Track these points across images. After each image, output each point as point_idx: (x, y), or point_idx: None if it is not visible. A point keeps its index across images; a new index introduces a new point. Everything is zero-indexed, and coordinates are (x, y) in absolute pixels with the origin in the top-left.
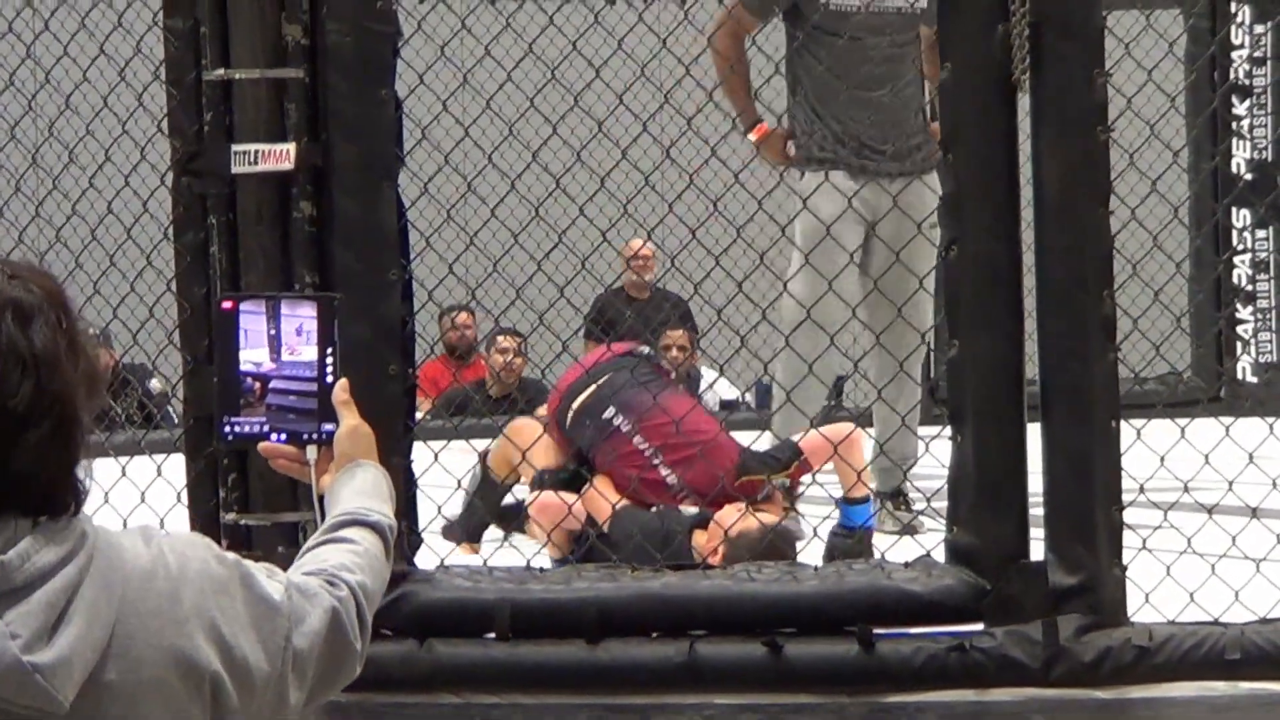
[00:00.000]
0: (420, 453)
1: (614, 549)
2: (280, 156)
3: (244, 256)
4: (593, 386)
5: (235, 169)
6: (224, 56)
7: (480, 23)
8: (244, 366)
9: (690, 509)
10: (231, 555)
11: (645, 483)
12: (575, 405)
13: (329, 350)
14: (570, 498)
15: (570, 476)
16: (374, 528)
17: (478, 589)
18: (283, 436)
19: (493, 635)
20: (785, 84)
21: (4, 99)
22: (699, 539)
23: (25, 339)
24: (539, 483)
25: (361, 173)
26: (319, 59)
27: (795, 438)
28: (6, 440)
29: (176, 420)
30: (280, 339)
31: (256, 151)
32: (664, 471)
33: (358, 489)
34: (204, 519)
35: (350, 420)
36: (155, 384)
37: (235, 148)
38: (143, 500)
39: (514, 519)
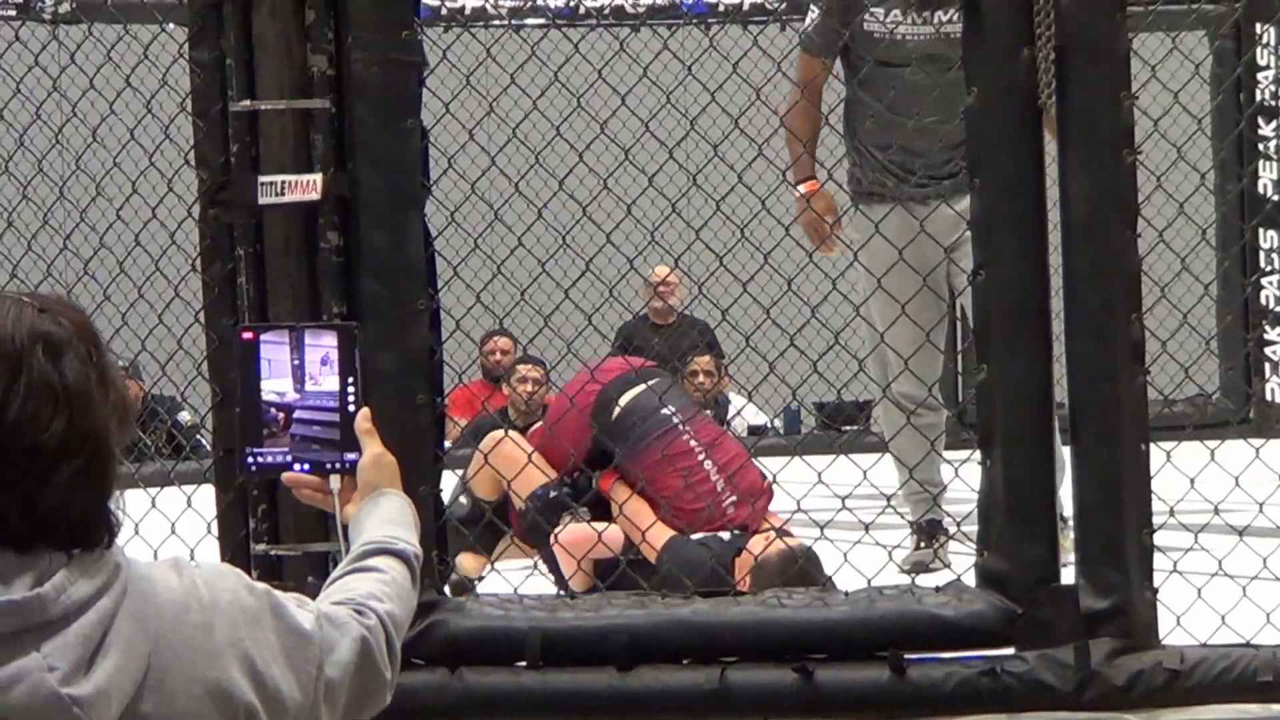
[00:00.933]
0: (449, 481)
1: (656, 578)
2: (307, 187)
3: (272, 287)
4: (642, 385)
5: (262, 200)
6: (250, 87)
7: (505, 51)
8: (267, 397)
9: (725, 534)
10: (262, 586)
11: (693, 485)
12: (625, 400)
13: (350, 379)
14: (599, 525)
15: (572, 491)
16: (400, 556)
17: (508, 617)
18: (306, 466)
19: (524, 663)
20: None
21: (31, 132)
22: (739, 563)
23: (56, 373)
24: (543, 501)
25: (388, 202)
26: (344, 89)
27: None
28: (40, 476)
29: (206, 451)
30: (304, 369)
31: (283, 182)
32: (709, 467)
33: (383, 517)
34: (234, 550)
35: (373, 449)
36: (185, 416)
37: (262, 179)
38: (173, 531)
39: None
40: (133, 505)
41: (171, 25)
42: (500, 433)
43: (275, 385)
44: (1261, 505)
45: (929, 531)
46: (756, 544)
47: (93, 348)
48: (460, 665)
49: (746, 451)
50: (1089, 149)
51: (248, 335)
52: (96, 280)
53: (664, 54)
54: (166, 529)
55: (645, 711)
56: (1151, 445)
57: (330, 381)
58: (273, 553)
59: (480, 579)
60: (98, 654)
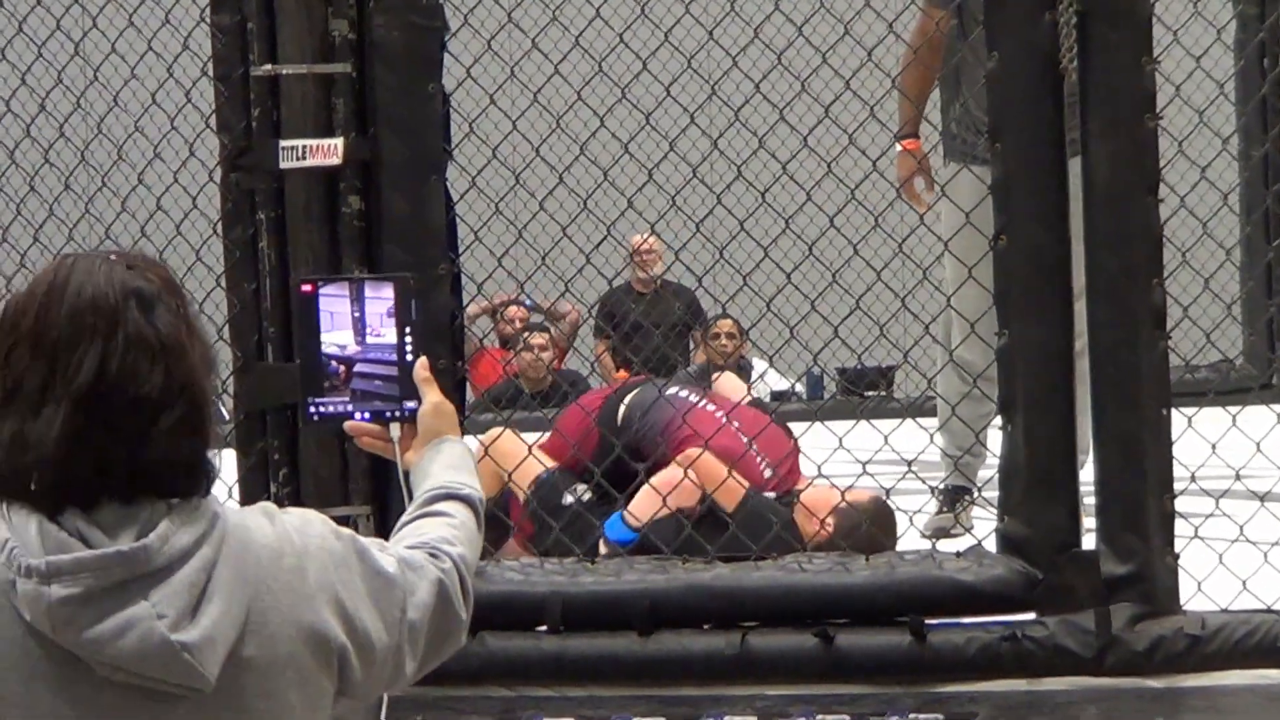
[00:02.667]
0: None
1: (734, 537)
2: (328, 151)
3: (293, 251)
4: (636, 389)
5: (283, 164)
6: (271, 52)
7: (528, 16)
8: (328, 349)
9: (771, 493)
10: (346, 531)
11: (724, 446)
12: (627, 401)
13: (408, 329)
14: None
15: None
16: (465, 500)
17: (529, 582)
18: (367, 415)
19: (544, 628)
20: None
21: (54, 96)
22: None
23: (151, 327)
24: (551, 487)
25: (409, 167)
26: (366, 54)
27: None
28: (142, 427)
29: (227, 416)
30: (364, 321)
31: (304, 146)
32: (737, 430)
33: (446, 463)
34: None
35: (432, 397)
36: None
37: (283, 143)
38: None
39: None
40: None
41: None
42: (497, 430)
43: (336, 338)
44: None
45: (953, 496)
46: (817, 496)
47: (179, 300)
48: (481, 630)
49: (768, 417)
50: (1111, 114)
51: (306, 288)
52: (119, 245)
53: (686, 18)
54: None
55: (666, 676)
56: (1173, 411)
57: (390, 333)
58: None
59: None
60: (202, 600)
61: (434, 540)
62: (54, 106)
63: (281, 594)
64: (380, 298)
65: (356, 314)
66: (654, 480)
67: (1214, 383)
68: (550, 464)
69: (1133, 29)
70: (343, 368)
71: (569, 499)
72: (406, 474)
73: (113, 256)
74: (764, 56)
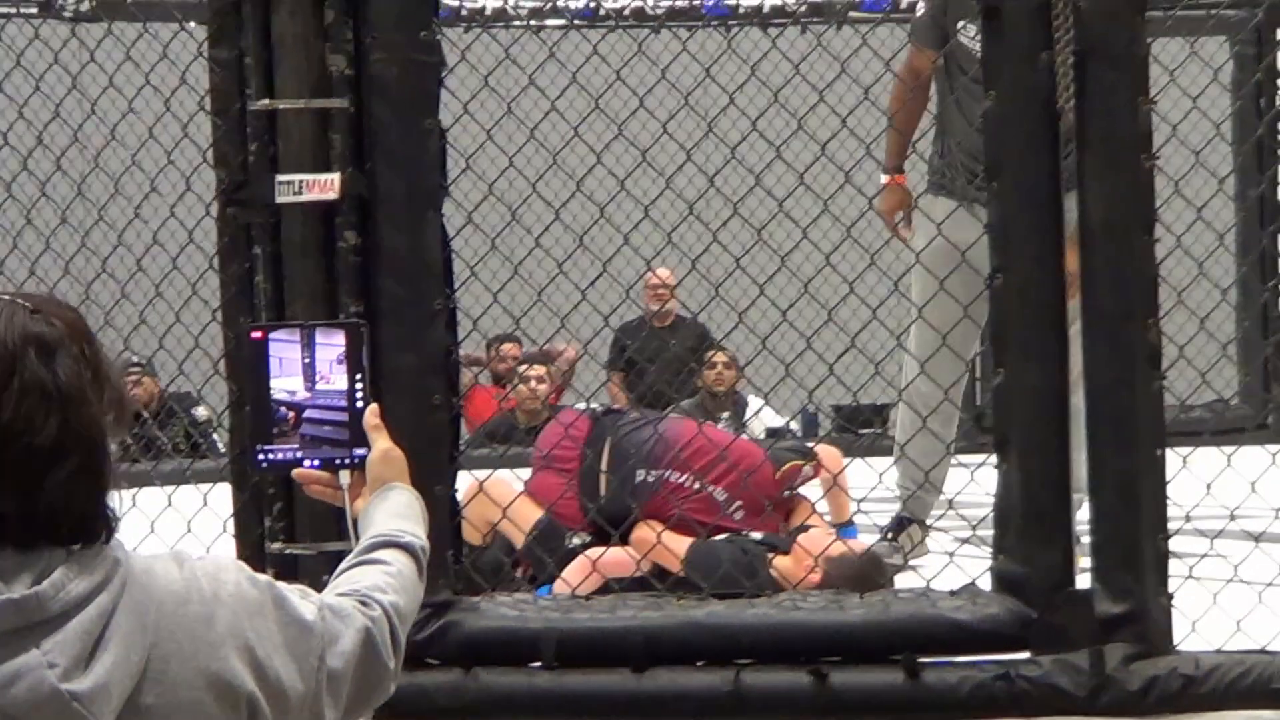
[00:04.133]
0: (464, 480)
1: (694, 588)
2: (325, 186)
3: (289, 286)
4: (604, 458)
5: (280, 199)
6: (269, 87)
7: (525, 52)
8: (277, 395)
9: (757, 534)
10: (264, 577)
11: (694, 507)
12: (603, 479)
13: (359, 376)
14: (613, 549)
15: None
16: (406, 549)
17: (523, 618)
18: (316, 462)
19: (539, 664)
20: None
21: (51, 129)
22: (780, 564)
23: (49, 374)
24: (546, 528)
25: (406, 202)
26: (363, 89)
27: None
28: (37, 475)
29: (222, 450)
30: (315, 367)
31: (301, 181)
32: (710, 489)
33: (391, 511)
34: (250, 548)
35: (382, 444)
36: (201, 411)
37: (280, 178)
38: (189, 530)
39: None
40: (149, 503)
41: (192, 24)
42: (486, 474)
43: (286, 384)
44: (1278, 512)
45: (897, 526)
46: (815, 539)
47: (86, 345)
48: (475, 665)
49: (761, 451)
50: (1107, 154)
51: (256, 334)
52: (115, 278)
53: (683, 56)
54: (183, 527)
55: (660, 713)
56: (1168, 450)
57: (340, 379)
58: (288, 551)
59: None
60: (97, 649)
61: (367, 588)
62: (51, 139)
63: (184, 641)
64: (331, 344)
65: (307, 360)
66: (590, 554)
67: (1209, 422)
68: (540, 508)
69: (1129, 69)
70: (292, 414)
71: (575, 541)
72: (355, 521)
73: (18, 300)
74: (761, 94)
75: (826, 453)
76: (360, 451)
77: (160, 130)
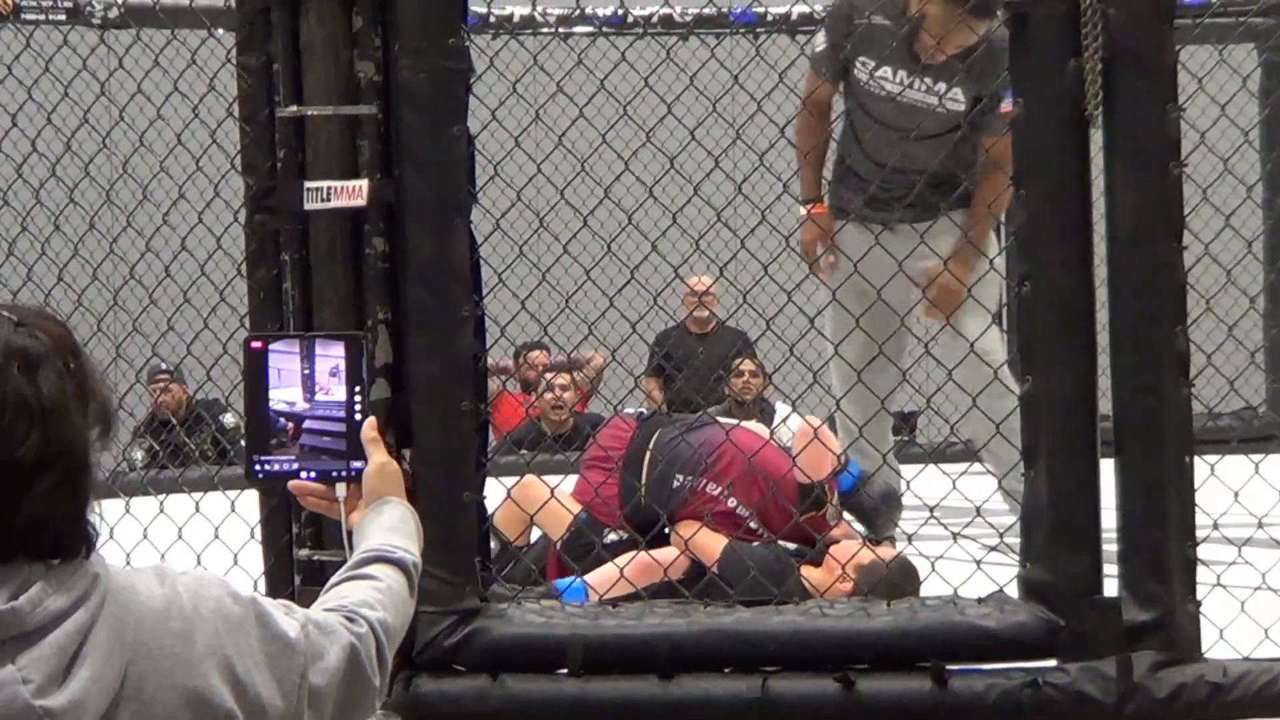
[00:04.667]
0: (491, 488)
1: (724, 589)
2: (353, 193)
3: (316, 293)
4: (646, 460)
5: (308, 205)
6: (297, 93)
7: (553, 59)
8: (276, 406)
9: (790, 544)
10: (247, 593)
11: (719, 517)
12: (651, 448)
13: (358, 388)
14: (659, 552)
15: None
16: (398, 564)
17: (550, 624)
18: (313, 474)
19: (565, 671)
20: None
21: (79, 136)
22: (811, 574)
23: (32, 388)
24: (592, 527)
25: (434, 209)
26: (392, 95)
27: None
28: (16, 489)
29: None
30: (314, 379)
31: (329, 188)
32: (732, 504)
33: (384, 525)
34: (278, 555)
35: (378, 458)
36: (229, 418)
37: (308, 184)
38: (216, 536)
39: (529, 576)
40: (176, 510)
41: (221, 31)
42: (530, 477)
43: (285, 395)
44: None
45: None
46: (845, 549)
47: (71, 359)
48: (502, 672)
49: (788, 460)
50: (1135, 161)
51: (256, 345)
52: (143, 285)
53: (711, 63)
54: (210, 534)
55: None
56: (1196, 458)
57: (339, 391)
58: (316, 558)
59: None
60: (73, 665)
61: (354, 604)
62: (79, 146)
63: (162, 658)
64: (330, 355)
65: (306, 371)
66: (620, 561)
67: (1237, 430)
68: (577, 508)
69: (1158, 76)
70: (291, 425)
71: (612, 536)
72: (350, 534)
73: (5, 314)
74: (789, 101)
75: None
76: (357, 464)
77: (189, 137)
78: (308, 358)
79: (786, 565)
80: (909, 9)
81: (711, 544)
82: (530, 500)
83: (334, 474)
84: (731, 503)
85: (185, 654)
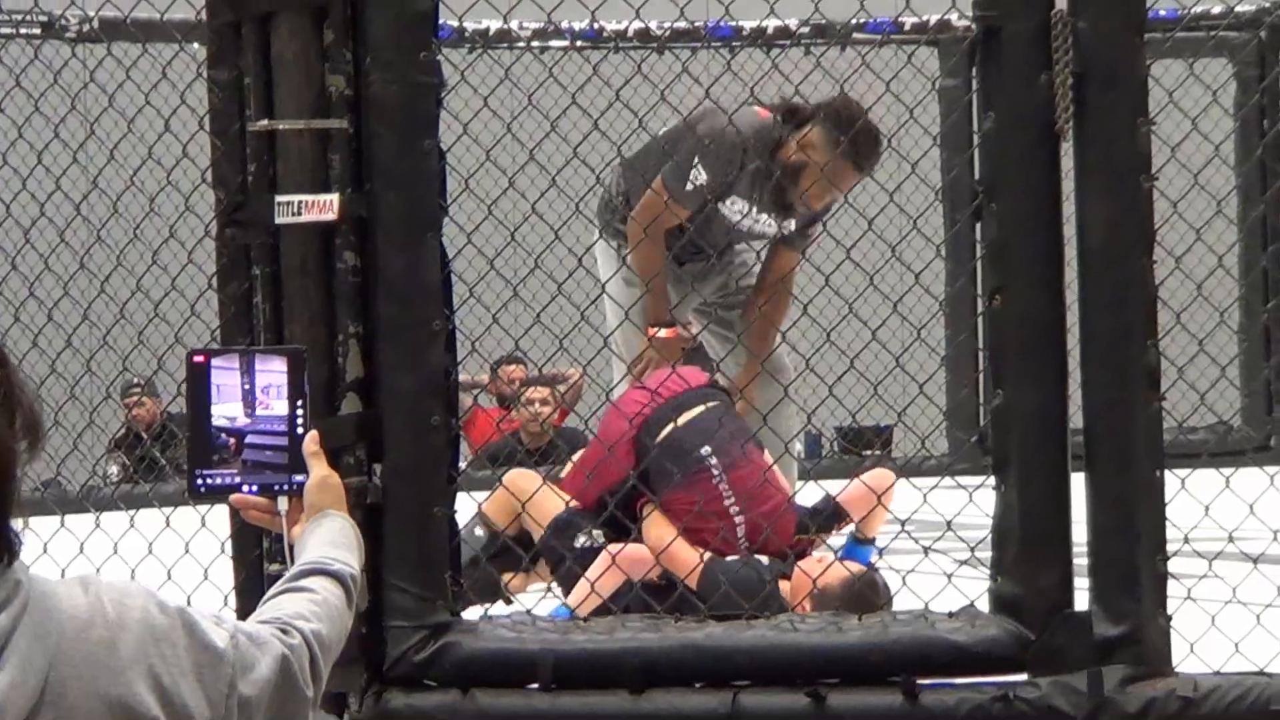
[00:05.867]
0: (462, 503)
1: (697, 604)
2: (324, 207)
3: (287, 307)
4: (683, 418)
5: (279, 220)
6: (268, 107)
7: (529, 73)
8: (218, 421)
9: (763, 558)
10: (174, 604)
11: (714, 530)
12: (660, 436)
13: (299, 402)
14: (640, 547)
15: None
16: (335, 576)
17: (521, 639)
18: (254, 488)
19: (536, 686)
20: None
21: (53, 149)
22: (784, 588)
23: None
24: (565, 522)
25: (405, 223)
26: (363, 110)
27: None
28: None
29: None
30: (254, 393)
31: (300, 202)
32: (738, 521)
33: (323, 538)
34: (248, 570)
35: (320, 471)
36: None
37: (279, 198)
38: (187, 551)
39: (518, 565)
40: (147, 525)
41: (194, 45)
42: (523, 470)
43: (225, 410)
44: (1276, 533)
45: None
46: (810, 566)
47: None
48: (472, 687)
49: (785, 495)
50: (1106, 175)
51: (198, 359)
52: (115, 300)
53: (685, 77)
54: (180, 548)
55: None
56: (1167, 472)
57: (279, 405)
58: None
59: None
60: None
61: (289, 616)
62: (53, 160)
63: (84, 666)
64: (270, 370)
65: (246, 386)
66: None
67: (1209, 444)
68: (567, 500)
69: (1128, 90)
70: (232, 440)
71: (582, 540)
72: (293, 547)
73: None
74: None
75: (879, 477)
76: (299, 478)
77: (162, 150)
78: (247, 372)
79: (764, 583)
80: (786, 151)
81: (686, 556)
82: (521, 492)
83: (276, 487)
84: (738, 521)
85: (109, 662)
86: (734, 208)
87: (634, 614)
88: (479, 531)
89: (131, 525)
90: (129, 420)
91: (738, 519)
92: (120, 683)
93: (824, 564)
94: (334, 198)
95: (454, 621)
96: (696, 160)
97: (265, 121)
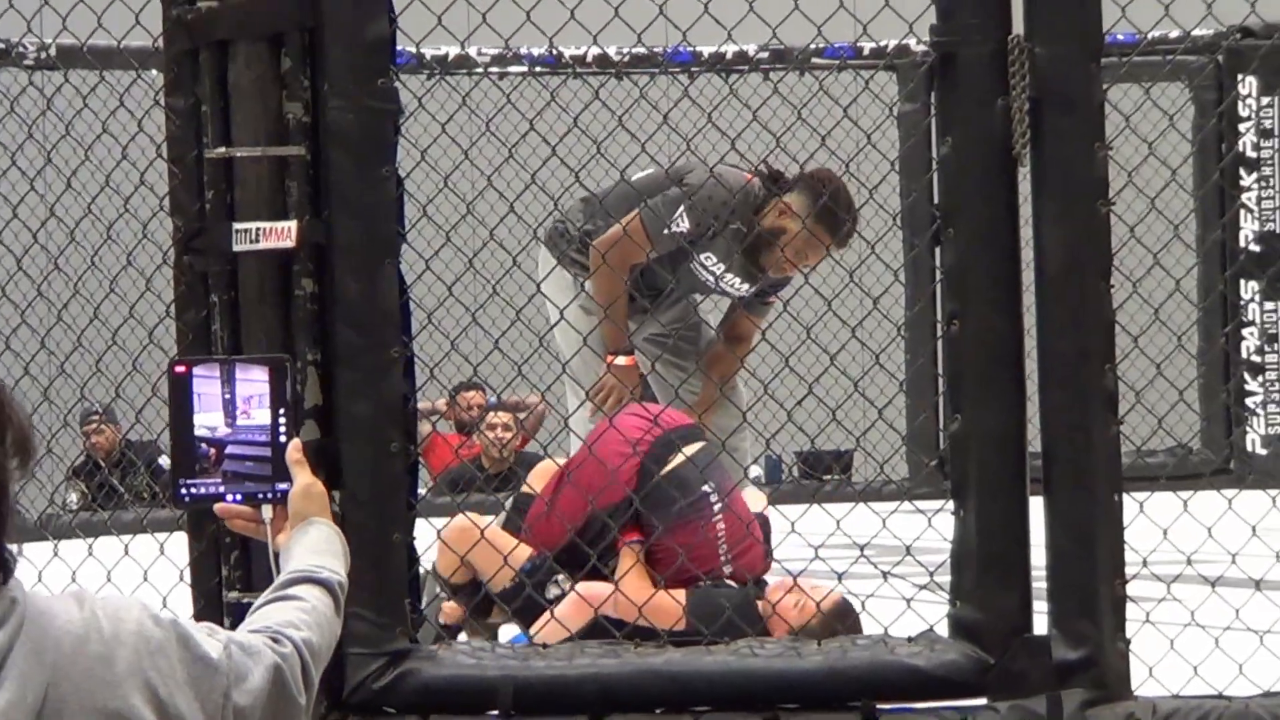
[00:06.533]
0: (422, 529)
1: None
2: (281, 234)
3: (246, 334)
4: (689, 449)
5: (237, 247)
6: (225, 134)
7: (488, 99)
8: (199, 431)
9: (731, 583)
10: (169, 616)
11: (704, 567)
12: (669, 465)
13: (282, 411)
14: (605, 586)
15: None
16: (323, 584)
17: (480, 666)
18: (238, 497)
19: (496, 712)
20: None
21: (11, 176)
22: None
23: None
24: (533, 574)
25: (363, 250)
26: (321, 136)
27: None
28: None
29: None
30: (235, 403)
31: (258, 229)
32: (722, 560)
33: (309, 546)
34: (207, 597)
35: (303, 479)
36: (165, 461)
37: (237, 225)
38: (145, 579)
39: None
40: (105, 553)
41: (153, 72)
42: (460, 519)
43: (207, 420)
44: (1235, 556)
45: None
46: (775, 592)
47: None
48: (432, 714)
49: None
50: (1064, 199)
51: (180, 369)
52: (74, 327)
53: (643, 103)
54: (139, 577)
55: None
56: (1125, 496)
57: (261, 414)
58: (245, 600)
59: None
60: None
61: (279, 624)
62: (10, 188)
63: (82, 680)
64: (251, 379)
65: (227, 395)
66: (561, 612)
67: (1167, 467)
68: (520, 553)
69: (1085, 114)
70: (213, 450)
71: (554, 592)
72: (278, 555)
73: None
74: (723, 140)
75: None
76: (282, 486)
77: (121, 178)
78: (228, 382)
79: (751, 605)
80: (764, 216)
81: (669, 605)
82: (467, 542)
83: (260, 496)
84: (722, 545)
85: (105, 676)
86: (708, 263)
87: (594, 639)
88: (440, 592)
89: (90, 553)
90: (88, 448)
91: (724, 562)
92: (117, 696)
93: (785, 590)
94: (292, 225)
95: (413, 648)
96: (682, 209)
97: (223, 149)
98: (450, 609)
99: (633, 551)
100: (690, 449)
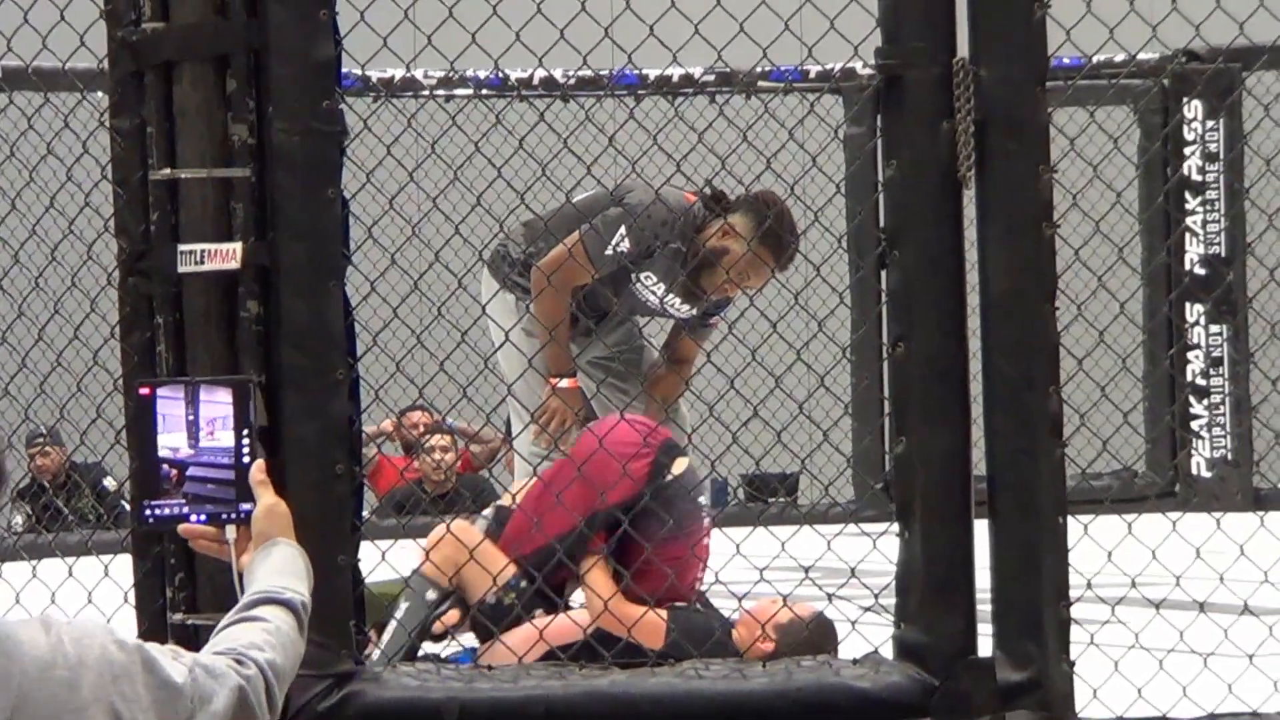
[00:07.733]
0: (367, 551)
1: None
2: (226, 256)
3: (191, 356)
4: (687, 462)
5: (182, 268)
6: (170, 156)
7: (434, 121)
8: (163, 452)
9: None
10: (133, 640)
11: (689, 584)
12: (673, 474)
13: (245, 432)
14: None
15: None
16: (287, 605)
17: (425, 688)
18: (202, 518)
19: None
20: None
21: None
22: (738, 634)
23: None
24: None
25: (308, 272)
26: (266, 158)
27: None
28: None
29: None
30: (198, 424)
31: (203, 251)
32: (700, 575)
33: (273, 567)
34: (151, 619)
35: (267, 499)
36: (110, 483)
37: (181, 247)
38: (90, 601)
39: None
40: (50, 574)
41: (98, 94)
42: (460, 521)
43: (170, 441)
44: (1178, 578)
45: None
46: (765, 609)
47: None
48: None
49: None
50: (1009, 222)
51: (144, 391)
52: (18, 349)
53: (589, 124)
54: (84, 598)
55: None
56: (1070, 518)
57: (225, 435)
58: (190, 622)
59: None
60: None
61: (243, 646)
62: None
63: (48, 705)
64: (214, 401)
65: (190, 417)
66: (512, 638)
67: (1112, 490)
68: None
69: (1030, 138)
70: (175, 471)
71: (506, 600)
72: (241, 576)
73: None
74: (669, 162)
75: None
76: (246, 507)
77: (66, 200)
78: (192, 403)
79: (725, 628)
80: (706, 236)
81: (655, 624)
82: (466, 547)
83: (223, 516)
84: (702, 569)
85: (70, 701)
86: (649, 283)
87: (538, 661)
88: (430, 595)
89: (34, 575)
90: (33, 470)
91: (700, 575)
92: None
93: (772, 605)
94: (237, 246)
95: (358, 670)
96: (623, 230)
97: (168, 170)
98: (450, 617)
99: (600, 558)
100: (684, 463)
